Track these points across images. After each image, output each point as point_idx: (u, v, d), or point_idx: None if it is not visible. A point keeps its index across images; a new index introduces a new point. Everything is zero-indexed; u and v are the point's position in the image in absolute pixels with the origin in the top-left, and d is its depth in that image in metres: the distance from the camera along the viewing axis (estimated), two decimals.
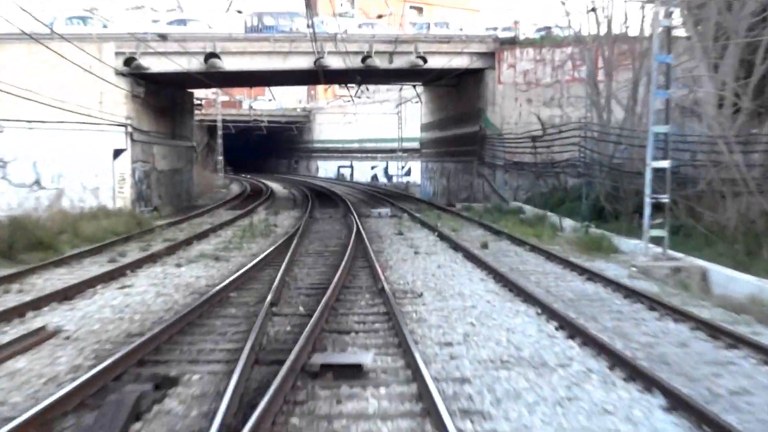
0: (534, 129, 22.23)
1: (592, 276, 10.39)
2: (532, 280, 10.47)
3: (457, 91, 27.14)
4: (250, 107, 62.27)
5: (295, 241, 13.66)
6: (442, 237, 15.11)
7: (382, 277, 9.76)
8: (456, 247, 13.60)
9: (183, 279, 10.31)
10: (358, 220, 17.75)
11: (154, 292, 9.40)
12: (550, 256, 12.48)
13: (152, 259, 12.03)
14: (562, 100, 23.01)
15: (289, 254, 11.93)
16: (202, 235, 15.62)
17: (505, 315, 8.02)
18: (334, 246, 13.87)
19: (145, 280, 10.22)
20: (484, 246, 14.54)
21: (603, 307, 8.54)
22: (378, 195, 32.18)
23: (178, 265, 11.52)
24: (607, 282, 9.89)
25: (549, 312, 8.00)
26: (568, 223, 16.34)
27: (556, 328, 7.57)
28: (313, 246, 13.96)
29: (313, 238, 15.28)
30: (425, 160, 33.87)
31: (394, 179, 51.14)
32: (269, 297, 8.40)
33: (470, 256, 12.30)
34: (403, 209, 22.59)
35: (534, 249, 14.11)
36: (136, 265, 11.34)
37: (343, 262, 10.92)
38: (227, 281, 9.51)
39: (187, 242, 14.42)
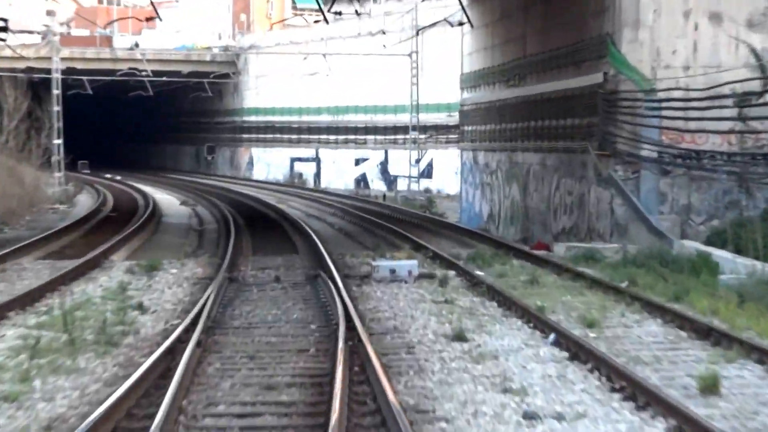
0: (733, 80, 21.16)
1: None
2: None
3: (546, 2, 26.59)
4: (135, 45, 61.57)
5: (181, 367, 10.69)
6: (574, 349, 12.26)
7: None
8: (631, 389, 10.36)
9: None
10: (343, 290, 15.74)
11: None
12: None
13: None
14: None
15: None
16: None
17: None
18: (292, 385, 10.85)
19: None
20: (708, 387, 10.49)
21: None
22: (375, 220, 31.91)
23: None
24: None
25: None
26: None
27: None
28: (232, 385, 10.87)
29: (236, 351, 12.50)
30: (471, 147, 34.14)
31: (401, 184, 51.12)
32: None
33: None
34: (439, 257, 21.44)
35: None
36: None
37: None
38: None
39: None
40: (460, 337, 13.02)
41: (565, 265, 19.55)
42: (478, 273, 18.77)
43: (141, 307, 15.34)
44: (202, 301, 14.92)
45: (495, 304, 15.81)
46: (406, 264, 18.80)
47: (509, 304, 15.34)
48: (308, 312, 15.22)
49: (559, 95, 25.22)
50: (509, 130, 29.34)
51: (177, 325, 13.34)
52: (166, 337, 12.49)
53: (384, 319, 14.56)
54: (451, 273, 19.11)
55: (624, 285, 16.98)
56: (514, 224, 29.00)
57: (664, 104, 21.95)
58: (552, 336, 12.95)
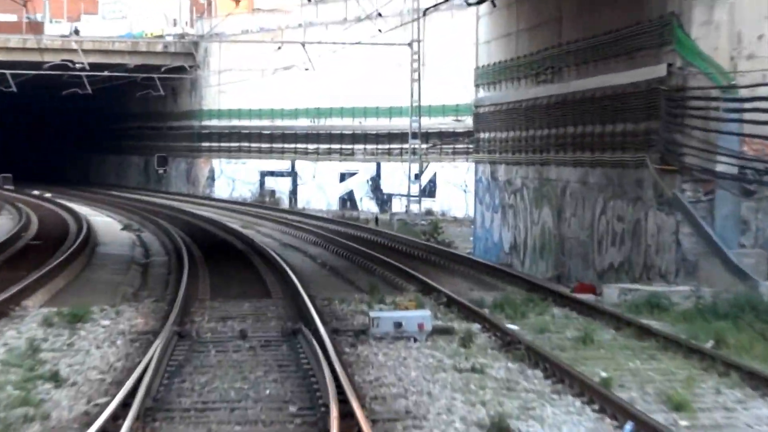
0: None
1: None
2: None
3: None
4: (75, 31, 63.02)
5: None
6: None
7: None
8: None
9: None
10: (332, 353, 15.22)
11: None
12: None
13: None
14: None
15: None
16: None
17: None
18: None
19: None
20: None
21: None
22: (367, 252, 32.44)
23: None
24: None
25: None
26: None
27: None
28: None
29: None
30: (489, 159, 34.47)
31: (397, 205, 51.56)
32: None
33: None
34: (456, 304, 21.27)
35: None
36: None
37: None
38: None
39: None
40: (500, 427, 12.01)
41: (623, 316, 19.05)
42: (511, 327, 18.24)
43: (56, 378, 14.51)
44: (140, 368, 14.24)
45: (540, 373, 14.95)
46: (416, 315, 18.08)
47: (561, 375, 14.38)
48: (286, 385, 14.38)
49: (607, 94, 25.19)
50: (539, 138, 29.38)
51: (104, 406, 12.64)
52: (88, 426, 11.78)
53: (391, 398, 13.59)
54: (475, 327, 18.58)
55: (709, 345, 16.39)
56: (545, 258, 29.03)
57: (747, 105, 21.77)
58: (629, 426, 11.87)
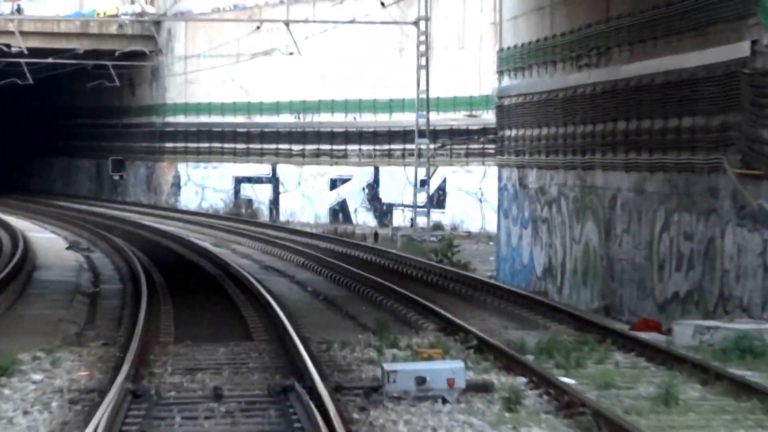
0: None
1: None
2: None
3: None
4: (17, 9, 62.81)
5: None
6: None
7: None
8: None
9: None
10: (337, 422, 14.72)
11: None
12: None
13: None
14: None
15: None
16: None
17: None
18: None
19: None
20: None
21: None
22: (369, 276, 32.79)
23: None
24: None
25: None
26: None
27: None
28: None
29: None
30: (516, 162, 35.06)
31: (400, 216, 51.95)
32: None
33: None
34: (490, 348, 20.81)
35: None
36: None
37: None
38: None
39: None
40: None
41: (709, 364, 18.22)
42: (565, 380, 17.37)
43: None
44: None
45: None
46: (444, 367, 17.02)
47: None
48: None
49: (670, 80, 25.04)
50: (581, 136, 29.53)
51: None
52: None
53: None
54: (519, 381, 17.71)
55: None
56: (588, 284, 29.12)
57: None
58: None
